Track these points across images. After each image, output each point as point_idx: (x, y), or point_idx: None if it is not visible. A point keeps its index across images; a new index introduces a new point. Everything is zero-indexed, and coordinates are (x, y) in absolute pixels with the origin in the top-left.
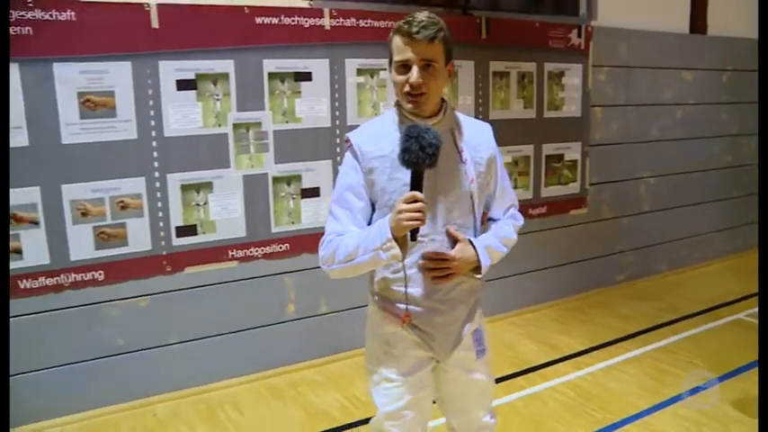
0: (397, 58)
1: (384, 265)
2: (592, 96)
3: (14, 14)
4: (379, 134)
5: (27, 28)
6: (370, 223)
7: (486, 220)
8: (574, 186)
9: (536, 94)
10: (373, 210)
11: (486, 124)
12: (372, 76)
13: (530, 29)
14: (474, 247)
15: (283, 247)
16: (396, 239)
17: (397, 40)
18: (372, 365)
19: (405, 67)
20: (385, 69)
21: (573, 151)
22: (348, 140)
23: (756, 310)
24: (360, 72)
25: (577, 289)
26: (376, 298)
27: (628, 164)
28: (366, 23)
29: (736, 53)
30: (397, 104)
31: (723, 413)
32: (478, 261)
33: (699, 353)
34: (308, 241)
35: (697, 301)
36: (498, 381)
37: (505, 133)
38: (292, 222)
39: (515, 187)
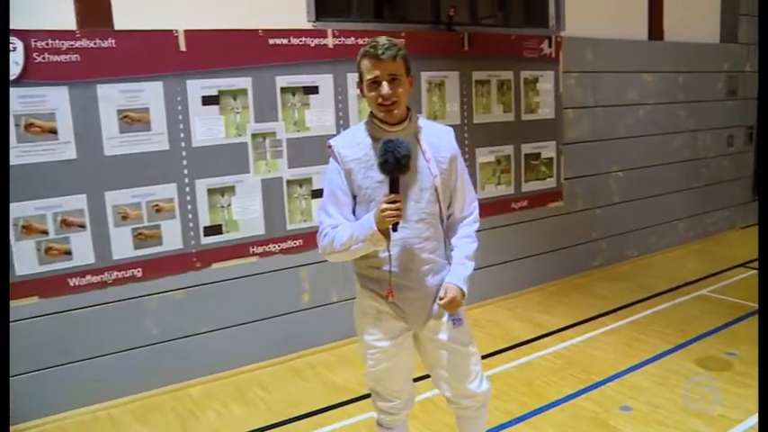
0: (368, 76)
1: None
2: (563, 99)
3: (65, 44)
4: (354, 141)
5: (75, 55)
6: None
7: (448, 217)
8: (551, 181)
9: (514, 99)
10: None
11: (448, 128)
12: None
13: (506, 41)
14: (457, 285)
15: (297, 243)
16: (380, 231)
17: (365, 63)
18: (360, 335)
19: (375, 83)
20: None
21: (549, 150)
22: (330, 146)
23: (717, 286)
24: None
25: (557, 274)
26: (359, 278)
27: (598, 159)
28: (364, 41)
29: (691, 57)
30: (370, 115)
31: (687, 369)
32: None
33: (667, 324)
34: None
35: (665, 280)
36: (493, 354)
37: (488, 135)
38: (305, 220)
39: (498, 183)
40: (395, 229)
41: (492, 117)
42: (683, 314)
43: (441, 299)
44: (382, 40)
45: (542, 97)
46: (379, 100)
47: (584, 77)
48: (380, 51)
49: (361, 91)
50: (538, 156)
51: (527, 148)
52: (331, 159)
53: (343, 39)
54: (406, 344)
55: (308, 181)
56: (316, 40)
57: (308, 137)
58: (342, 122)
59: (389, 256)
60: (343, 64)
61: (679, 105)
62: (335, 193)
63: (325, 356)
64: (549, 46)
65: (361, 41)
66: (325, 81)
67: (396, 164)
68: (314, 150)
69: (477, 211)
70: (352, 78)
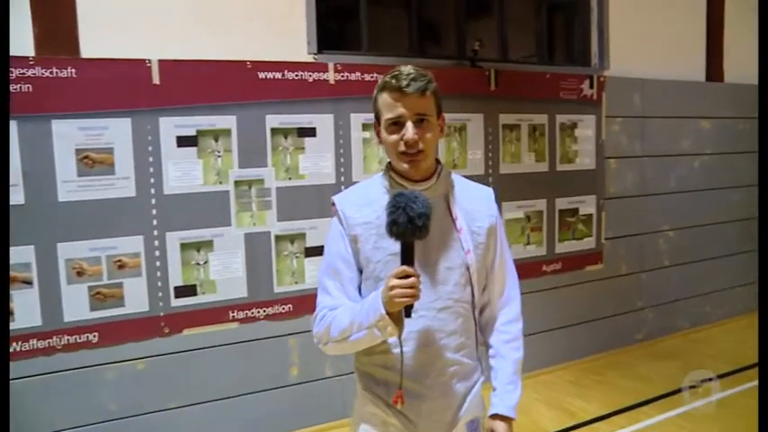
0: (387, 115)
1: (380, 341)
2: (606, 148)
3: (15, 72)
4: (365, 199)
5: (27, 85)
6: (360, 291)
7: (482, 307)
8: (589, 241)
9: (548, 147)
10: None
11: (488, 189)
12: None
13: (540, 80)
14: (506, 416)
15: (286, 308)
16: (390, 315)
17: (385, 97)
18: None
19: (396, 124)
20: None
21: (587, 205)
22: (333, 204)
23: None
24: (366, 127)
25: (594, 349)
26: (360, 377)
27: (645, 217)
28: (372, 77)
29: (755, 101)
30: (388, 167)
31: None
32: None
33: (726, 418)
34: (313, 302)
35: (722, 360)
36: None
37: (517, 188)
38: (296, 282)
39: (527, 243)
40: (408, 314)
41: (522, 167)
42: (747, 406)
43: None
44: (407, 68)
45: (581, 145)
46: (402, 147)
47: (631, 123)
48: (405, 83)
49: (378, 134)
50: (575, 212)
51: (562, 203)
52: (334, 221)
53: (346, 74)
54: None
55: (301, 237)
56: (315, 75)
57: (301, 186)
58: (343, 170)
59: (401, 351)
60: (345, 102)
61: (740, 156)
62: (336, 265)
63: None
64: (591, 86)
65: (368, 77)
66: (323, 122)
67: (408, 224)
68: (308, 202)
69: (519, 301)
70: (356, 119)
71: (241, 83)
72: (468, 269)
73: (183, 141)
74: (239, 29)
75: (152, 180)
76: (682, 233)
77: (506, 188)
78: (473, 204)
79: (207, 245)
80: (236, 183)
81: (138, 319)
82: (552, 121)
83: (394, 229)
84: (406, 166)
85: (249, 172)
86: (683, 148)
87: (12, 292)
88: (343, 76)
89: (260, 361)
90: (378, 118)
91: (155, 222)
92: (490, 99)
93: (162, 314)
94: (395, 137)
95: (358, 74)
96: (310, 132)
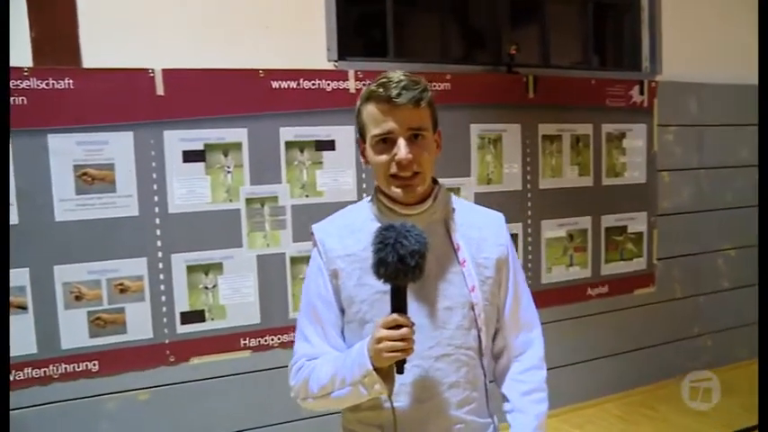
0: (374, 131)
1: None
2: (658, 159)
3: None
4: (350, 227)
5: (21, 98)
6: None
7: (496, 353)
8: (639, 262)
9: (593, 159)
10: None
11: (497, 214)
12: None
13: (584, 86)
14: None
15: None
16: (378, 371)
17: (371, 109)
18: None
19: (385, 141)
20: None
21: (637, 222)
22: (313, 233)
23: None
24: None
25: (645, 379)
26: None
27: (702, 234)
28: None
29: None
30: (376, 190)
31: None
32: None
33: None
34: None
35: None
36: None
37: (558, 204)
38: None
39: (570, 265)
40: (400, 370)
41: (564, 181)
42: None
43: None
44: (396, 74)
45: (630, 157)
46: (393, 168)
47: (686, 132)
48: (395, 92)
49: (363, 154)
50: (623, 230)
51: (609, 221)
52: (313, 253)
53: (368, 81)
54: None
55: None
56: (333, 84)
57: (319, 203)
58: (365, 186)
59: (393, 410)
60: None
61: None
62: (315, 306)
63: None
64: (641, 93)
65: None
66: (343, 134)
67: (399, 264)
68: None
69: (541, 344)
70: None
71: (252, 93)
72: (472, 309)
73: (190, 156)
74: (250, 35)
75: (156, 198)
76: (743, 252)
77: (546, 205)
78: (480, 232)
79: (216, 267)
80: (248, 200)
81: (141, 347)
82: (598, 131)
83: (381, 270)
84: (398, 191)
85: (262, 189)
86: (744, 158)
87: None
88: (364, 84)
89: (274, 391)
90: (362, 134)
91: (159, 243)
92: (528, 108)
93: (167, 341)
94: (384, 157)
95: None
96: (329, 145)
